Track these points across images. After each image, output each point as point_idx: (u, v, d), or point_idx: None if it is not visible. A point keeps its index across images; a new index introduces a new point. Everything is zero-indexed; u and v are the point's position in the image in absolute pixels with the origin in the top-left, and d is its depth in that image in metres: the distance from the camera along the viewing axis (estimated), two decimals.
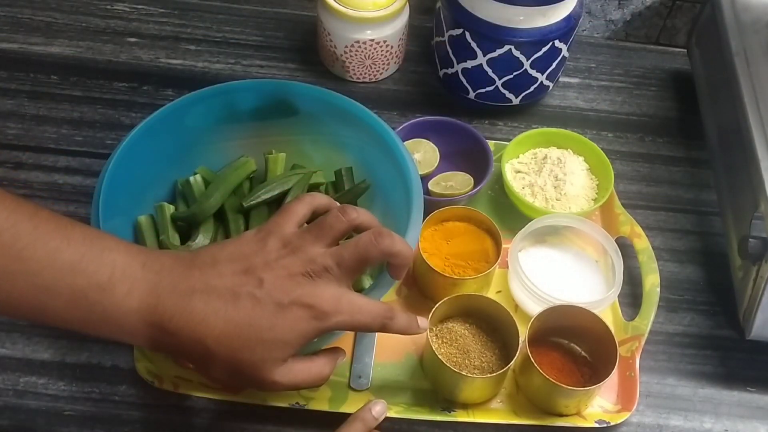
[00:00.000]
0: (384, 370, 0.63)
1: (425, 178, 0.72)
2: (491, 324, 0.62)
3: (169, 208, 0.64)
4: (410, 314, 0.52)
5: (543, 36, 0.74)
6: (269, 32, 0.90)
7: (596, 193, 0.73)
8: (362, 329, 0.54)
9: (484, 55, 0.76)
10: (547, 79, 0.79)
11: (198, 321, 0.45)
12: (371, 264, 0.50)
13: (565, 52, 0.78)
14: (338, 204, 0.53)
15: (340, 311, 0.48)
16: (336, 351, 0.53)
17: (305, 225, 0.52)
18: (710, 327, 0.69)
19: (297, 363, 0.49)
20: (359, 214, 0.51)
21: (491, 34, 0.74)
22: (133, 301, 0.45)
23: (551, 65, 0.78)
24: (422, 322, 0.53)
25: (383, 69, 0.84)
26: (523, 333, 0.60)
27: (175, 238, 0.63)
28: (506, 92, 0.79)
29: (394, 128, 0.66)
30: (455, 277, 0.64)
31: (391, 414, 0.58)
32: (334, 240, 0.50)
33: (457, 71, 0.79)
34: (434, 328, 0.62)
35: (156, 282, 0.46)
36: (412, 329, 0.52)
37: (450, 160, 0.75)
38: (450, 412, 0.60)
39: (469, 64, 0.77)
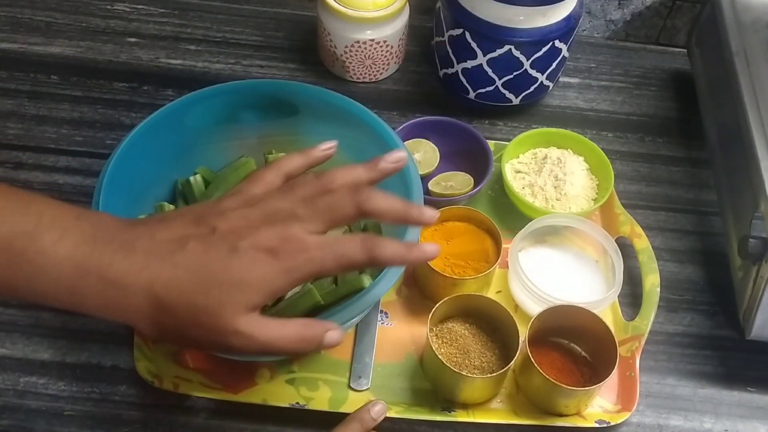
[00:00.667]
0: (384, 370, 0.63)
1: (425, 178, 0.72)
2: (491, 324, 0.62)
3: (169, 208, 0.64)
4: (399, 241, 0.46)
5: (543, 36, 0.74)
6: (269, 32, 0.90)
7: (596, 193, 0.73)
8: (343, 266, 0.44)
9: (484, 55, 0.76)
10: (547, 79, 0.79)
11: (142, 266, 0.41)
12: (346, 220, 0.44)
13: (565, 52, 0.78)
14: (315, 172, 0.48)
15: (307, 249, 0.42)
16: (321, 323, 0.45)
17: None
18: (710, 327, 0.69)
19: (268, 319, 0.43)
20: (336, 178, 0.46)
21: (491, 34, 0.74)
22: (63, 249, 0.40)
23: (551, 65, 0.78)
24: (427, 246, 0.45)
25: (383, 69, 0.84)
26: (523, 333, 0.60)
27: None
28: (506, 92, 0.79)
29: (394, 128, 0.66)
30: (455, 277, 0.64)
31: (391, 414, 0.58)
32: (303, 200, 0.45)
33: (457, 71, 0.79)
34: (434, 328, 0.62)
35: (92, 232, 0.41)
36: (410, 255, 0.45)
37: (450, 160, 0.75)
38: (450, 412, 0.60)
39: (469, 64, 0.77)
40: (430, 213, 0.46)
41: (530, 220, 0.68)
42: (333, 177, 0.46)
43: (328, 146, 0.52)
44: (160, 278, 0.41)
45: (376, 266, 0.45)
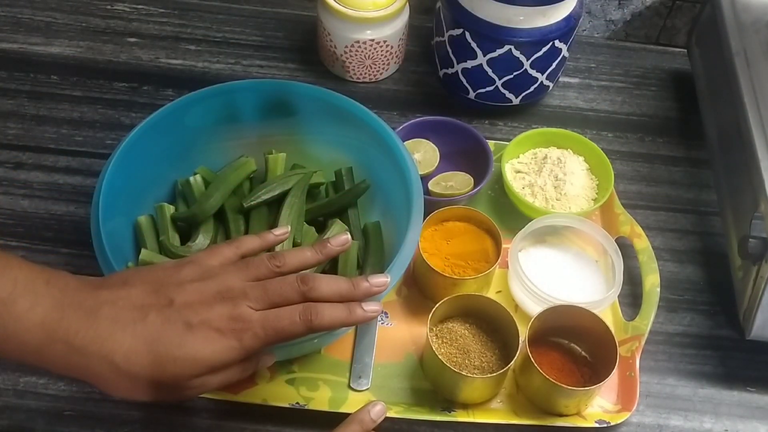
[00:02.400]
0: (384, 370, 0.63)
1: (425, 178, 0.72)
2: (491, 324, 0.62)
3: (169, 209, 0.64)
4: (338, 305, 0.49)
5: (543, 36, 0.74)
6: (269, 32, 0.90)
7: (596, 193, 0.73)
8: (286, 339, 0.49)
9: (484, 55, 0.76)
10: (547, 79, 0.79)
11: (105, 337, 0.44)
12: (290, 304, 0.48)
13: (565, 52, 0.78)
14: (269, 253, 0.52)
15: (251, 327, 0.47)
16: (255, 357, 0.51)
17: None
18: (710, 327, 0.69)
19: (211, 377, 0.48)
20: (287, 261, 0.51)
21: (491, 34, 0.74)
22: (36, 316, 0.43)
23: (551, 65, 0.78)
24: (370, 305, 0.50)
25: (383, 69, 0.84)
26: (523, 333, 0.60)
27: (175, 238, 0.63)
28: (506, 92, 0.79)
29: (394, 128, 0.67)
30: (455, 277, 0.64)
31: (391, 414, 0.58)
32: (256, 279, 0.49)
33: (457, 71, 0.79)
34: (434, 328, 0.62)
35: (60, 298, 0.44)
36: (351, 317, 0.49)
37: (450, 160, 0.75)
38: (450, 412, 0.60)
39: (469, 64, 0.77)
40: (379, 283, 0.51)
41: (530, 220, 0.68)
42: (284, 261, 0.51)
43: (281, 232, 0.56)
44: (121, 349, 0.44)
45: (318, 332, 0.49)
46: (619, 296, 0.66)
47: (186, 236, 0.64)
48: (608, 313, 0.67)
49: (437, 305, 0.60)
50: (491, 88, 0.79)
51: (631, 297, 0.69)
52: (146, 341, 0.45)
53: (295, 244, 0.63)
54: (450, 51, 0.79)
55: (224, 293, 0.48)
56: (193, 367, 0.46)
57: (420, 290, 0.68)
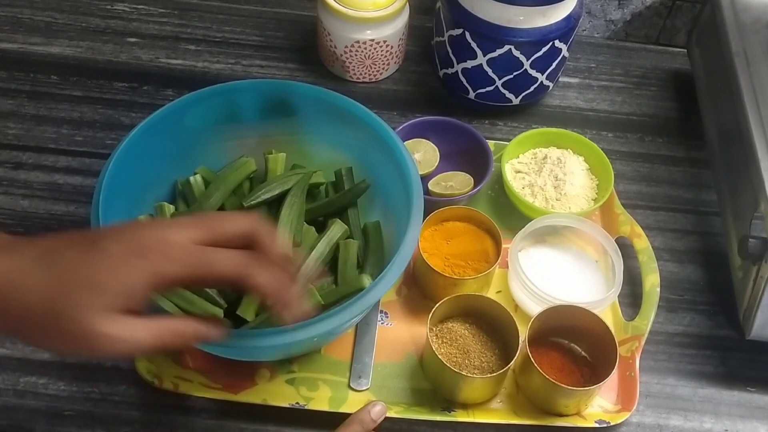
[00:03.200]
0: (384, 370, 0.63)
1: (425, 178, 0.72)
2: (491, 324, 0.62)
3: (169, 208, 0.64)
4: (281, 276, 0.43)
5: (543, 36, 0.74)
6: (269, 32, 0.90)
7: (596, 193, 0.73)
8: (215, 277, 0.42)
9: (484, 55, 0.76)
10: (547, 79, 0.79)
11: (18, 272, 0.39)
12: (223, 268, 0.42)
13: (565, 52, 0.78)
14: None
15: (179, 258, 0.40)
16: (204, 321, 0.44)
17: None
18: (710, 327, 0.69)
19: (136, 319, 0.40)
20: (245, 223, 0.44)
21: (491, 34, 0.74)
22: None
23: (551, 65, 0.78)
24: (303, 305, 0.44)
25: (383, 69, 0.84)
26: (523, 333, 0.60)
27: None
28: (506, 92, 0.79)
29: (394, 128, 0.66)
30: (455, 277, 0.64)
31: (391, 414, 0.58)
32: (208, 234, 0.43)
33: (457, 71, 0.79)
34: (434, 328, 0.62)
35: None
36: (281, 293, 0.43)
37: (450, 160, 0.75)
38: (450, 412, 0.60)
39: (469, 64, 0.77)
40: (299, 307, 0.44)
41: (530, 220, 0.68)
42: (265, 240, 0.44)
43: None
44: (34, 285, 0.39)
45: (247, 288, 0.43)
46: (619, 296, 0.66)
47: None
48: (608, 313, 0.67)
49: (437, 305, 0.60)
50: (491, 88, 0.79)
51: (631, 297, 0.69)
52: (58, 274, 0.39)
53: (295, 244, 0.63)
54: (450, 51, 0.79)
55: (159, 223, 0.42)
56: (97, 294, 0.39)
57: (420, 290, 0.68)
